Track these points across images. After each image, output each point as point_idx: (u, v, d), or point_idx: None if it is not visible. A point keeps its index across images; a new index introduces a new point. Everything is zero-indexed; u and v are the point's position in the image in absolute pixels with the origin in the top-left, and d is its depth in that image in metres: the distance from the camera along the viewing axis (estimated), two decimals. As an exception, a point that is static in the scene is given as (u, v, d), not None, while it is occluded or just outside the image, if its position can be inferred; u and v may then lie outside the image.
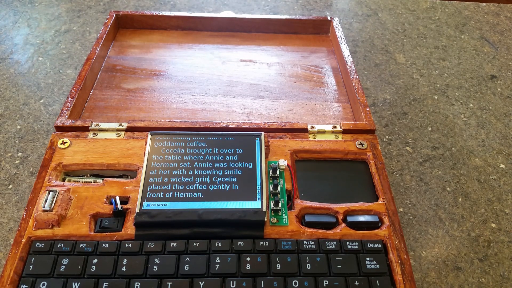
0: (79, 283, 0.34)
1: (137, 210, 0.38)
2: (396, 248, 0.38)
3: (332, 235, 0.38)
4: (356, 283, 0.35)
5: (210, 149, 0.43)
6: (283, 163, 0.43)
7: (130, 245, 0.37)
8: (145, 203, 0.39)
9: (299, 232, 0.38)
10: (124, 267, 0.35)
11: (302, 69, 0.60)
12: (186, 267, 0.36)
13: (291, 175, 0.43)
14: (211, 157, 0.43)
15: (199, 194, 0.40)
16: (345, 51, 0.59)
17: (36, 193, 0.40)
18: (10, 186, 0.54)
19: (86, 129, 0.46)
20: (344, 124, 0.48)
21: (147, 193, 0.39)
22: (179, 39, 0.64)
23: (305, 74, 0.59)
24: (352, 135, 0.48)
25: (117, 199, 0.39)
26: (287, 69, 0.60)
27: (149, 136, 0.44)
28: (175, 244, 0.37)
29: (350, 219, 0.40)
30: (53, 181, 0.41)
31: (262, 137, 0.44)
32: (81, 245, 0.37)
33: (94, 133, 0.46)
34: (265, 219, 0.38)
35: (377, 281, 0.36)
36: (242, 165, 0.42)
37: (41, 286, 0.34)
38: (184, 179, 0.41)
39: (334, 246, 0.37)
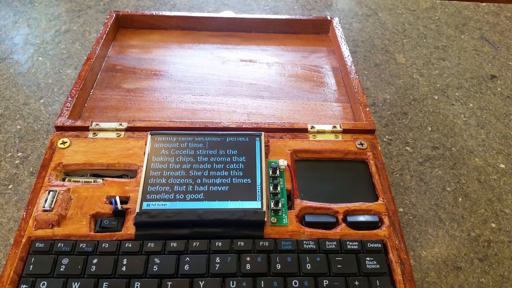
0: (79, 283, 0.34)
1: (137, 210, 0.38)
2: (396, 248, 0.38)
3: (332, 235, 0.38)
4: (356, 283, 0.35)
5: (210, 149, 0.43)
6: (283, 163, 0.43)
7: (130, 245, 0.37)
8: (145, 203, 0.39)
9: (299, 232, 0.38)
10: (124, 267, 0.35)
11: (302, 69, 0.60)
12: (186, 267, 0.36)
13: (291, 175, 0.43)
14: (211, 157, 0.43)
15: (199, 194, 0.40)
16: (345, 51, 0.59)
17: (36, 193, 0.40)
18: (10, 186, 0.54)
19: (86, 129, 0.46)
20: (344, 124, 0.48)
21: (147, 193, 0.39)
22: (179, 39, 0.64)
23: (305, 74, 0.59)
24: (352, 135, 0.48)
25: (117, 199, 0.39)
26: (287, 69, 0.60)
27: (149, 136, 0.44)
28: (175, 244, 0.37)
29: (350, 219, 0.40)
30: (53, 181, 0.41)
31: (262, 137, 0.44)
32: (81, 245, 0.37)
33: (94, 133, 0.46)
34: (265, 219, 0.38)
35: (377, 281, 0.36)
36: (242, 165, 0.42)
37: (41, 286, 0.34)
38: (184, 179, 0.41)
39: (334, 246, 0.37)
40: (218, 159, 0.42)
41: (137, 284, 0.34)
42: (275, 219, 0.39)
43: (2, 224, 0.50)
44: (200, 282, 0.35)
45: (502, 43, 0.84)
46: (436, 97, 0.70)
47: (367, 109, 0.49)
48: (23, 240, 0.37)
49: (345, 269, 0.36)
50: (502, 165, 0.60)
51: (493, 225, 0.53)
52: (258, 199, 0.40)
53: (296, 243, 0.37)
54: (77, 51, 0.76)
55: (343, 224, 0.39)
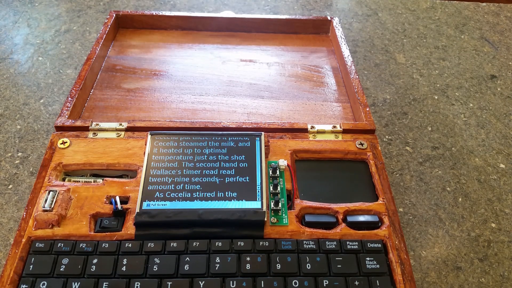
0: (79, 283, 0.34)
1: (137, 210, 0.38)
2: (396, 248, 0.38)
3: (332, 235, 0.38)
4: (356, 283, 0.35)
5: (210, 149, 0.43)
6: (283, 163, 0.43)
7: (130, 245, 0.37)
8: (145, 203, 0.39)
9: (299, 232, 0.38)
10: (124, 267, 0.35)
11: (302, 69, 0.60)
12: (186, 267, 0.36)
13: (291, 175, 0.43)
14: (211, 157, 0.43)
15: (199, 194, 0.40)
16: (345, 51, 0.59)
17: (36, 193, 0.40)
18: (10, 186, 0.54)
19: (86, 129, 0.46)
20: (344, 124, 0.48)
21: (147, 193, 0.39)
22: (179, 39, 0.64)
23: (305, 74, 0.59)
24: (352, 135, 0.48)
25: (117, 199, 0.39)
26: (287, 69, 0.60)
27: (149, 136, 0.44)
28: (175, 244, 0.37)
29: (350, 219, 0.40)
30: (53, 181, 0.41)
31: (262, 137, 0.44)
32: (81, 245, 0.37)
33: (94, 133, 0.46)
34: (265, 219, 0.38)
35: (377, 281, 0.36)
36: (242, 165, 0.42)
37: (41, 286, 0.34)
38: (184, 179, 0.41)
39: (334, 246, 0.37)
40: (218, 158, 0.42)
41: (137, 284, 0.34)
42: (275, 219, 0.39)
43: (2, 224, 0.50)
44: (200, 282, 0.35)
45: (502, 43, 0.84)
46: (436, 97, 0.70)
47: (367, 109, 0.49)
48: (23, 240, 0.37)
49: (345, 269, 0.36)
50: (502, 165, 0.60)
51: (493, 225, 0.53)
52: (258, 199, 0.40)
53: (296, 243, 0.37)
54: (77, 51, 0.76)
55: (343, 224, 0.39)
